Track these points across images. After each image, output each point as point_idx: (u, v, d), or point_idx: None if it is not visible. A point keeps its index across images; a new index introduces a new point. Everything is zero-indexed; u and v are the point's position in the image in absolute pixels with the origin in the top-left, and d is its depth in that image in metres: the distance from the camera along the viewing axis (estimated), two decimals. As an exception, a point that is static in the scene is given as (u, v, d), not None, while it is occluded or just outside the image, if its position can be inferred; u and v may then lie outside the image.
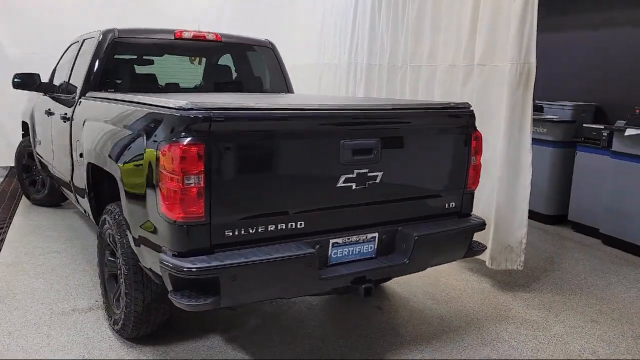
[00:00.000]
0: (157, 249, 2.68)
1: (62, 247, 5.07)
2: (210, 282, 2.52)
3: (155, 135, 2.64)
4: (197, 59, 5.72)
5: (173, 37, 4.53)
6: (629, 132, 5.32)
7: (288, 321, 3.76)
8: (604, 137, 5.90)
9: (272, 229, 2.72)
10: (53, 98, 5.19)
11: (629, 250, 5.56)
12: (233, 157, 2.58)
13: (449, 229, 3.24)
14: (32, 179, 6.58)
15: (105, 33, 4.29)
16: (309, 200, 2.83)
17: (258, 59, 5.06)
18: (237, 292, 2.59)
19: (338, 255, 2.96)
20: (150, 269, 2.86)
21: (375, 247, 3.09)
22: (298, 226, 2.80)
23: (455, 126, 3.31)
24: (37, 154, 5.96)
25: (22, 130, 6.65)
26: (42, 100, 5.59)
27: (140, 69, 4.76)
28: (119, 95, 3.58)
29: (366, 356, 3.33)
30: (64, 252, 4.94)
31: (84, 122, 3.87)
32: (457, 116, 3.31)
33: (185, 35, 4.56)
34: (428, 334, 3.63)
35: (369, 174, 2.94)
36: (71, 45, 5.43)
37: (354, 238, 3.00)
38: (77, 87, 4.42)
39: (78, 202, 4.41)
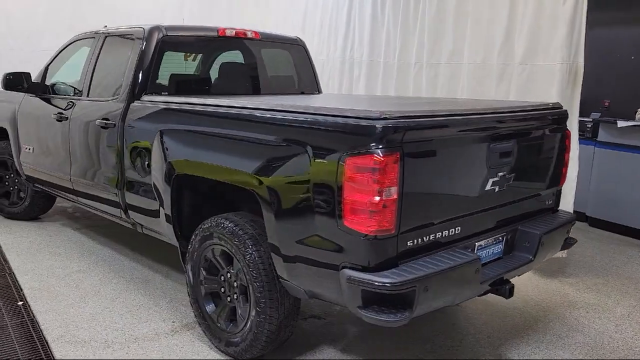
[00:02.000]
0: (330, 266, 2.55)
1: (83, 265, 4.59)
2: (403, 295, 2.44)
3: (334, 147, 2.48)
4: (192, 55, 5.42)
5: (217, 35, 4.26)
6: (621, 123, 5.82)
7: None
8: (588, 129, 6.40)
9: (439, 235, 2.70)
10: (54, 101, 4.68)
11: (614, 230, 6.14)
12: (420, 166, 2.51)
13: (559, 224, 3.38)
14: (5, 190, 5.86)
15: (151, 30, 3.92)
16: (466, 205, 2.84)
17: (291, 56, 4.88)
18: (426, 303, 2.54)
19: (481, 257, 2.98)
20: (306, 289, 2.72)
21: (503, 247, 3.16)
22: (456, 231, 2.80)
23: (556, 125, 3.45)
24: (22, 163, 5.33)
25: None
26: (35, 103, 5.00)
27: (186, 69, 4.42)
28: (231, 101, 3.24)
29: (484, 356, 3.40)
30: (89, 270, 4.48)
31: (160, 129, 3.50)
32: (557, 116, 3.45)
33: (228, 32, 4.31)
34: (519, 327, 3.76)
35: (507, 176, 2.99)
36: (72, 42, 4.90)
37: (491, 239, 3.05)
38: (114, 90, 4.02)
39: (126, 217, 4.01)
